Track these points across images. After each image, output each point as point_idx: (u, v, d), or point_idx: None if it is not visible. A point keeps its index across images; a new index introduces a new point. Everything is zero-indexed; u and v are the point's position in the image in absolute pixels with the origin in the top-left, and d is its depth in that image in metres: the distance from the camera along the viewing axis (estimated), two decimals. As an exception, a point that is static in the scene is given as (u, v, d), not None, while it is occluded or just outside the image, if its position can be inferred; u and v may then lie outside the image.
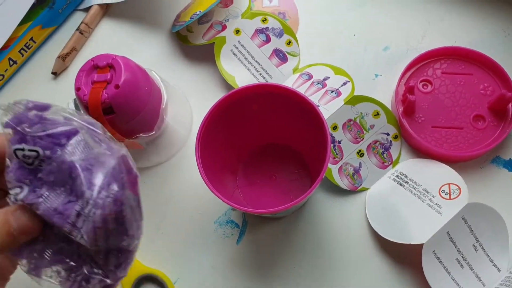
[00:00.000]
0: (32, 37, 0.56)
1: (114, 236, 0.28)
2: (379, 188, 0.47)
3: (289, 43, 0.53)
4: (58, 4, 0.57)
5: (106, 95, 0.43)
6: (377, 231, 0.45)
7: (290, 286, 0.46)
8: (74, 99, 0.55)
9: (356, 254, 0.46)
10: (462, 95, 0.49)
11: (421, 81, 0.50)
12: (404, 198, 0.46)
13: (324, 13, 0.55)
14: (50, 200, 0.28)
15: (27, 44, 0.56)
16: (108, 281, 0.30)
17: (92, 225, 0.27)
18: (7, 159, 0.29)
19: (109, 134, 0.30)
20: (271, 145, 0.50)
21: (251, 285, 0.46)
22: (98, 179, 0.27)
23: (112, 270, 0.30)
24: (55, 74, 0.56)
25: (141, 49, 0.56)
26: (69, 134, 0.29)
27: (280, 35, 0.53)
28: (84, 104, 0.43)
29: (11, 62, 0.56)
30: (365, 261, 0.46)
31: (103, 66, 0.44)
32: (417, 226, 0.44)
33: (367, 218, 0.47)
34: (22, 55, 0.56)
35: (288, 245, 0.47)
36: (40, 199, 0.28)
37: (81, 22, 0.57)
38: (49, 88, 0.56)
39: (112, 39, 0.57)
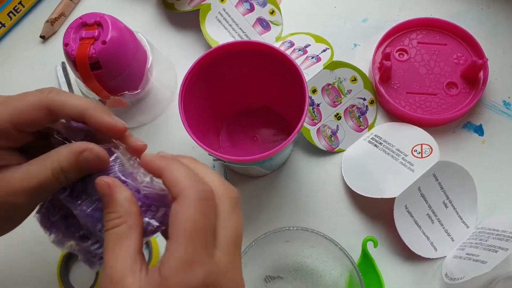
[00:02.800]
0: (20, 1, 0.57)
1: None
2: (355, 149, 0.49)
3: (272, 12, 0.55)
4: (47, -30, 0.58)
5: (93, 50, 0.44)
6: (351, 187, 0.47)
7: (268, 241, 0.47)
8: (62, 63, 0.56)
9: (332, 209, 0.48)
10: (436, 64, 0.51)
11: (397, 50, 0.52)
12: (378, 158, 0.48)
13: (307, -16, 0.57)
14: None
15: (15, 8, 0.57)
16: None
17: None
18: None
19: None
20: (253, 108, 0.51)
21: (231, 239, 0.48)
22: None
23: None
24: (44, 38, 0.58)
25: (129, 15, 0.57)
26: None
27: (263, 4, 0.55)
28: (72, 59, 0.45)
29: (0, 25, 0.57)
30: (340, 216, 0.48)
31: (91, 23, 0.45)
32: (389, 182, 0.46)
33: (343, 177, 0.49)
34: (11, 18, 0.57)
35: (267, 201, 0.49)
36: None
37: (70, -11, 0.58)
38: (37, 51, 0.57)
39: (101, 6, 0.58)
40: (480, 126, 0.50)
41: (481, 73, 0.50)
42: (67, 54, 0.45)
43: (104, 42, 0.44)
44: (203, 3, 0.54)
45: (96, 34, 0.45)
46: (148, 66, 0.49)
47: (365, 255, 0.44)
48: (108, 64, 0.45)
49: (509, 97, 0.51)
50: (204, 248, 0.27)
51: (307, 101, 0.40)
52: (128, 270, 0.27)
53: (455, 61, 0.51)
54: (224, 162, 0.43)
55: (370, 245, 0.45)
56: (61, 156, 0.31)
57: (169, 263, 0.26)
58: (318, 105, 0.50)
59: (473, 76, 0.50)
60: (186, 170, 0.29)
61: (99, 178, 0.29)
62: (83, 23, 0.46)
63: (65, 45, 0.45)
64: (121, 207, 0.29)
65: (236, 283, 0.29)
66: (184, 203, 0.27)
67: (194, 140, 0.41)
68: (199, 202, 0.28)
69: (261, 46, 0.43)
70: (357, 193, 0.47)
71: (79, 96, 0.33)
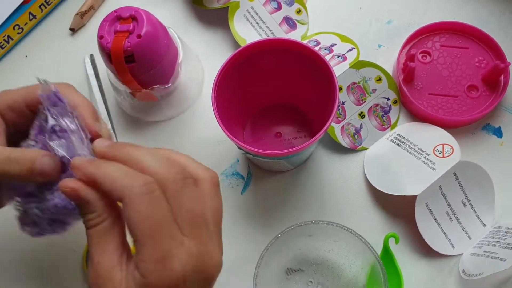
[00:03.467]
0: (52, -7, 0.58)
1: None
2: (378, 148, 0.51)
3: (298, 11, 0.56)
4: (79, -37, 0.59)
5: (129, 43, 0.45)
6: (373, 184, 0.49)
7: (291, 234, 0.49)
8: (91, 55, 0.58)
9: (353, 206, 0.49)
10: (458, 67, 0.53)
11: (421, 52, 0.53)
12: (400, 156, 0.49)
13: (333, -15, 0.59)
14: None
15: (47, 0, 0.58)
16: None
17: None
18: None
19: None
20: (278, 104, 0.53)
21: (253, 231, 0.49)
22: None
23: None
24: (73, 30, 0.59)
25: (157, 11, 0.58)
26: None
27: (290, 3, 0.56)
28: (107, 51, 0.46)
29: (31, 17, 0.58)
30: (362, 213, 0.49)
31: (126, 17, 0.47)
32: (411, 180, 0.47)
33: (365, 175, 0.50)
34: (42, 10, 0.58)
35: (290, 196, 0.50)
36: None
37: (100, -18, 0.59)
38: (66, 43, 0.59)
39: (130, 0, 0.60)
40: (499, 128, 0.52)
41: (502, 77, 0.52)
42: (102, 47, 0.46)
43: (139, 36, 0.45)
44: (232, 0, 0.56)
45: (131, 28, 0.46)
46: (179, 61, 0.50)
47: (386, 250, 0.46)
48: (142, 58, 0.46)
49: (528, 101, 0.52)
50: (171, 239, 0.28)
51: (337, 99, 0.42)
52: (116, 264, 0.28)
53: (477, 64, 0.53)
54: (252, 155, 0.45)
55: (391, 242, 0.46)
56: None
57: (144, 264, 0.27)
58: (343, 103, 0.51)
59: (494, 80, 0.52)
60: (117, 169, 0.29)
61: (63, 185, 0.30)
62: (118, 17, 0.47)
63: (100, 37, 0.46)
64: (97, 206, 0.29)
65: (215, 263, 0.30)
66: (130, 205, 0.28)
67: (226, 134, 0.42)
68: (143, 198, 0.28)
69: (294, 44, 0.44)
70: (379, 191, 0.48)
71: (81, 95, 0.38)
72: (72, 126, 0.35)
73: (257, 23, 0.55)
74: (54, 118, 0.34)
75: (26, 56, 0.59)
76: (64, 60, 0.58)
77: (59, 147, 0.34)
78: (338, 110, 0.51)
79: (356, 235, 0.43)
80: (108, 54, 0.46)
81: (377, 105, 0.52)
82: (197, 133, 0.54)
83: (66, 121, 0.35)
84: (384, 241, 0.46)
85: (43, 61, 0.58)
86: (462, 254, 0.47)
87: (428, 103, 0.52)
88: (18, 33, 0.58)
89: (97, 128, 0.35)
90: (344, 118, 0.51)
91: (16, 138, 0.36)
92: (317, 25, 0.57)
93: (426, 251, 0.47)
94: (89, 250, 0.29)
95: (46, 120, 0.35)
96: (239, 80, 0.47)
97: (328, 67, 0.43)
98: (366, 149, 0.51)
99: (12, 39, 0.58)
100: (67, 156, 0.34)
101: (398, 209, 0.49)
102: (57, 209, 0.33)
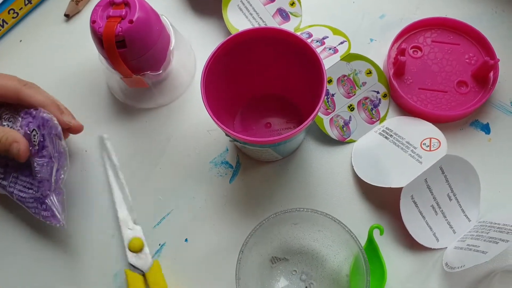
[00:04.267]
0: (48, -21, 0.59)
1: None
2: (366, 141, 0.51)
3: (292, 4, 0.56)
4: (75, -50, 0.59)
5: (120, 28, 0.46)
6: (360, 176, 0.49)
7: (277, 223, 0.49)
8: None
9: (340, 197, 0.50)
10: (448, 62, 0.53)
11: (412, 47, 0.54)
12: (388, 149, 0.49)
13: (327, -22, 0.59)
14: None
15: (43, -14, 0.59)
16: None
17: None
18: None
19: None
20: (268, 95, 0.53)
21: (240, 219, 0.50)
22: None
23: None
24: (68, 16, 0.59)
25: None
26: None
27: (284, -5, 0.56)
28: (98, 36, 0.46)
29: (26, 1, 0.58)
30: (348, 204, 0.49)
31: (119, 3, 0.47)
32: (398, 172, 0.47)
33: (352, 166, 0.50)
34: (38, -5, 0.59)
35: (278, 186, 0.51)
36: None
37: (96, -30, 0.60)
38: (61, 29, 0.59)
39: (125, -12, 0.60)
40: (487, 124, 0.52)
41: (492, 74, 0.52)
42: (94, 31, 0.47)
43: (131, 22, 0.46)
44: (226, -10, 0.56)
45: (123, 13, 0.46)
46: (171, 48, 0.51)
47: (370, 242, 0.46)
48: (133, 43, 0.46)
49: (517, 99, 0.53)
50: None
51: (325, 89, 0.42)
52: None
53: (467, 60, 0.53)
54: (240, 143, 0.45)
55: (375, 233, 0.46)
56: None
57: None
58: (332, 95, 0.51)
59: (484, 76, 0.52)
60: None
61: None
62: (110, 2, 0.47)
63: (92, 22, 0.47)
64: None
65: None
66: None
67: (214, 120, 0.42)
68: None
69: (284, 34, 0.44)
70: (365, 182, 0.49)
71: (45, 94, 0.48)
72: (55, 154, 0.47)
73: (251, 13, 0.56)
74: (51, 142, 0.47)
75: (21, 41, 0.59)
76: (58, 46, 0.58)
77: (38, 166, 0.46)
78: (328, 102, 0.51)
79: (340, 224, 0.43)
80: (100, 39, 0.46)
81: (366, 98, 0.52)
82: (188, 121, 0.54)
83: (52, 148, 0.47)
84: (369, 232, 0.46)
85: (37, 47, 0.59)
86: (447, 248, 0.47)
87: (417, 97, 0.52)
88: (13, 17, 0.58)
89: (65, 119, 0.48)
90: (333, 110, 0.51)
91: None
92: (310, 18, 0.57)
93: (411, 243, 0.48)
94: None
95: (36, 133, 0.46)
96: (230, 69, 0.47)
97: (316, 56, 0.43)
98: (354, 141, 0.52)
99: (7, 23, 0.58)
100: (42, 177, 0.46)
101: (384, 201, 0.49)
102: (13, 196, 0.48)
